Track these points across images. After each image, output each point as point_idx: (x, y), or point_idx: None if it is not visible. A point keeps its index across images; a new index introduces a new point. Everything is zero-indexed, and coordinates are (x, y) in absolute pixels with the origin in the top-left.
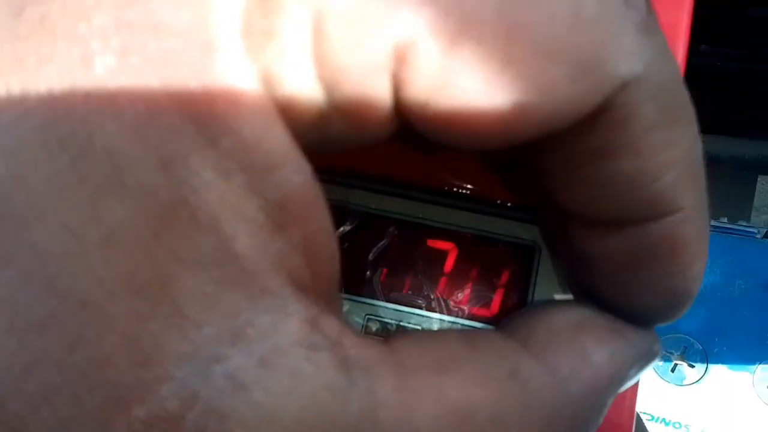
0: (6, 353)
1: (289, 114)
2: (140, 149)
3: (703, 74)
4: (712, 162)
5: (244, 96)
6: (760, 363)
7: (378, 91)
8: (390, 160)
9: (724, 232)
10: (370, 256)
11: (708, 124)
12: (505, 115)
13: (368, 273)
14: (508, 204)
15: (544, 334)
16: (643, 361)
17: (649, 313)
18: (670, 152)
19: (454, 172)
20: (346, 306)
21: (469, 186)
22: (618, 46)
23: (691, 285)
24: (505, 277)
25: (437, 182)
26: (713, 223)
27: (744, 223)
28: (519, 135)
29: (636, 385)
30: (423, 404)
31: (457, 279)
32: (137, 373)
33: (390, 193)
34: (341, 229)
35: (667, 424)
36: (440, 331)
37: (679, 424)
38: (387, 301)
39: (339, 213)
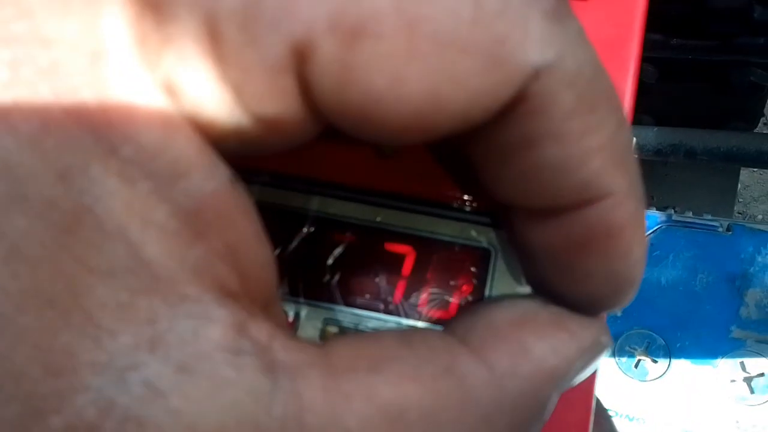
0: None
1: (199, 120)
2: (38, 161)
3: (675, 68)
4: (689, 154)
5: (139, 104)
6: (722, 356)
7: (285, 91)
8: (347, 166)
9: (686, 226)
10: (329, 261)
11: (682, 117)
12: (417, 108)
13: (327, 277)
14: (464, 208)
15: (483, 331)
16: (589, 354)
17: (594, 301)
18: (593, 138)
19: (410, 177)
20: (305, 311)
21: (425, 190)
22: (525, 35)
23: (632, 270)
24: (461, 280)
25: (394, 187)
26: (676, 217)
27: (709, 217)
28: (437, 127)
29: (592, 380)
30: (352, 405)
31: (415, 282)
32: (52, 383)
33: (347, 198)
34: (299, 234)
35: (630, 419)
36: (378, 331)
37: (643, 419)
38: (345, 305)
39: (298, 219)
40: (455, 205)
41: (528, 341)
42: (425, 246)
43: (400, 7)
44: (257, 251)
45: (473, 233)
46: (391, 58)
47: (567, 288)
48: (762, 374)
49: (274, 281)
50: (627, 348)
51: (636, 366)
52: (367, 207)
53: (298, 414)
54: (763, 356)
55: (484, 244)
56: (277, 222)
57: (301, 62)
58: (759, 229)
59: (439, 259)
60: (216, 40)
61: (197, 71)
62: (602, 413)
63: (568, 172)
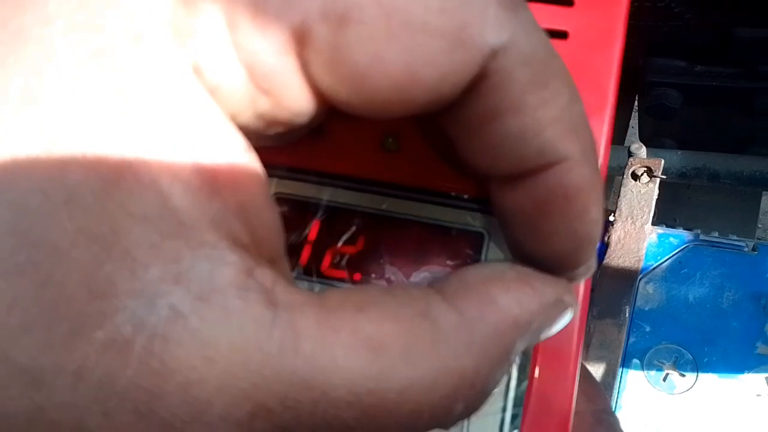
0: None
1: (218, 95)
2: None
3: (699, 93)
4: (712, 178)
5: (171, 79)
6: (748, 371)
7: (288, 69)
8: (355, 160)
9: (713, 246)
10: (339, 244)
11: (706, 142)
12: (397, 83)
13: (337, 259)
14: (461, 196)
15: (457, 285)
16: (551, 309)
17: (559, 260)
18: (548, 110)
19: (412, 169)
20: (317, 288)
21: (425, 181)
22: (483, 21)
23: (590, 229)
24: (458, 260)
25: (397, 178)
26: (703, 237)
27: (735, 237)
28: (414, 99)
29: (576, 346)
30: (340, 336)
31: (417, 262)
32: (96, 305)
33: (356, 189)
34: (313, 221)
35: (659, 429)
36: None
37: (673, 429)
38: (353, 283)
39: (312, 207)
40: (453, 194)
41: (495, 293)
42: (426, 230)
43: (375, 9)
44: (265, 214)
45: (469, 219)
46: (372, 40)
47: (535, 247)
48: None
49: (280, 242)
50: (656, 362)
51: (664, 379)
52: (373, 196)
53: (294, 340)
54: None
55: (478, 228)
56: (293, 210)
57: (299, 45)
58: None
59: (438, 242)
60: (233, 30)
61: (218, 54)
62: (597, 389)
63: (527, 140)
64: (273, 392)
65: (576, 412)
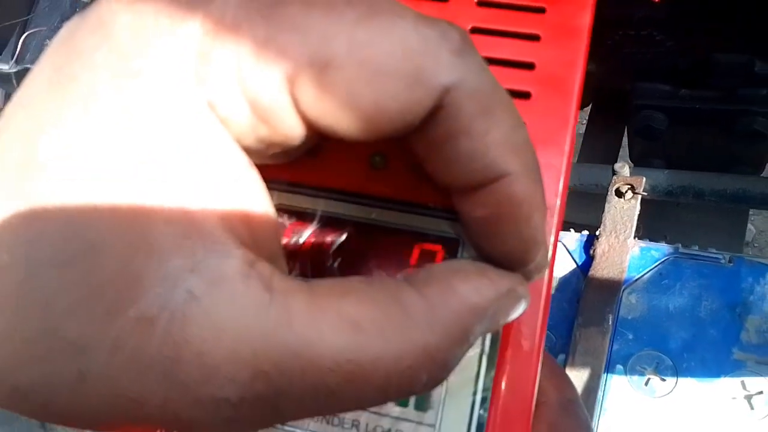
0: (50, 289)
1: (227, 124)
2: None
3: (684, 116)
4: (697, 196)
5: (193, 113)
6: (724, 376)
7: (282, 103)
8: (347, 176)
9: (692, 258)
10: (332, 249)
11: (692, 162)
12: (367, 114)
13: (330, 262)
14: (438, 207)
15: (424, 276)
16: (506, 298)
17: (511, 258)
18: (493, 134)
19: (396, 184)
20: None
21: (407, 194)
22: (437, 65)
23: (534, 232)
24: (435, 262)
25: (384, 192)
26: (683, 250)
27: (713, 250)
28: (383, 127)
29: (540, 334)
30: (326, 316)
31: (400, 264)
32: (129, 290)
33: (347, 200)
34: (309, 228)
35: (641, 431)
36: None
37: (654, 431)
38: None
39: (308, 216)
40: (431, 205)
41: (456, 283)
42: (408, 236)
43: (351, 51)
44: (265, 220)
45: (445, 227)
46: (348, 81)
47: (491, 248)
48: (761, 392)
49: (278, 245)
50: (638, 367)
51: (646, 384)
52: (363, 207)
53: (287, 318)
54: (762, 376)
55: (453, 235)
56: (292, 219)
57: (291, 85)
58: (758, 262)
59: (419, 247)
60: (239, 74)
61: (227, 93)
62: (565, 381)
63: (476, 159)
64: (269, 360)
65: (544, 402)
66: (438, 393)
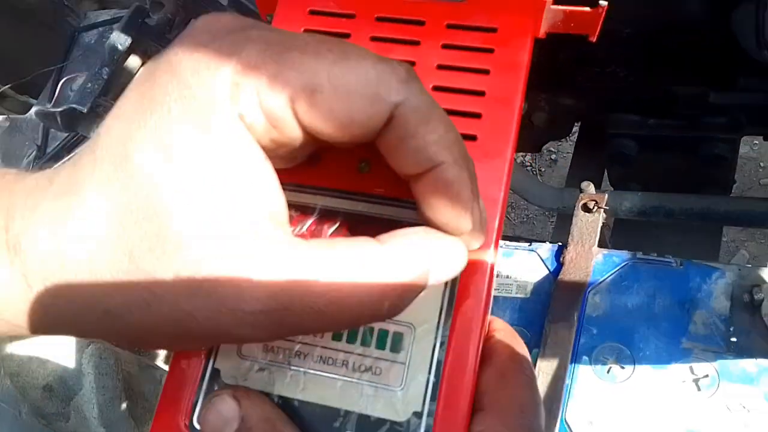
0: (135, 238)
1: (251, 130)
2: None
3: (653, 143)
4: (668, 215)
5: (230, 122)
6: (675, 362)
7: (287, 115)
8: (340, 178)
9: (648, 263)
10: (328, 234)
11: (665, 184)
12: (342, 122)
13: None
14: (410, 200)
15: (390, 236)
16: (447, 252)
17: (449, 226)
18: (431, 136)
19: (378, 183)
20: None
21: (387, 191)
22: (389, 89)
23: (463, 205)
24: None
25: (369, 189)
26: (640, 256)
27: (669, 256)
28: (354, 132)
29: (490, 285)
30: (319, 262)
31: None
32: (190, 239)
33: (341, 197)
34: (310, 219)
35: (603, 413)
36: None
37: (614, 412)
38: None
39: (310, 210)
40: (404, 199)
41: (411, 238)
42: (386, 223)
43: (330, 80)
44: (278, 198)
45: (412, 215)
46: (328, 100)
47: (435, 220)
48: (707, 376)
49: (286, 218)
50: (601, 358)
51: (608, 372)
52: (352, 201)
53: (294, 260)
54: (708, 362)
55: (418, 221)
56: (297, 212)
57: (292, 103)
58: (705, 265)
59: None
60: (259, 96)
61: (251, 109)
62: (519, 345)
63: (419, 153)
64: (280, 286)
65: (497, 353)
66: (408, 340)
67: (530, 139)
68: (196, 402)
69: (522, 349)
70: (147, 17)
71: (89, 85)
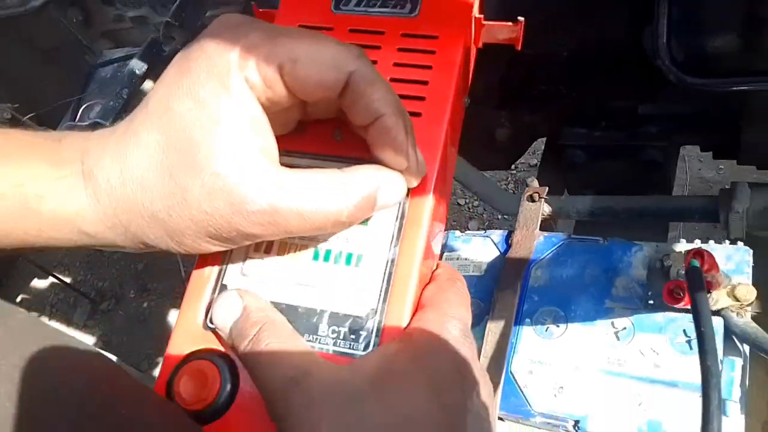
0: (172, 160)
1: (253, 89)
2: None
3: (598, 152)
4: (613, 215)
5: (239, 83)
6: (600, 319)
7: (277, 79)
8: (319, 144)
9: (580, 241)
10: None
11: (615, 190)
12: (315, 84)
13: None
14: (370, 159)
15: (352, 168)
16: (392, 181)
17: (391, 164)
18: (376, 95)
19: (350, 148)
20: None
21: (358, 154)
22: (347, 61)
23: (402, 145)
24: None
25: (342, 153)
26: (573, 236)
27: (599, 237)
28: (324, 91)
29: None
30: (298, 187)
31: None
32: (214, 162)
33: (320, 159)
34: None
35: (541, 363)
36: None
37: (550, 363)
38: None
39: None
40: (367, 158)
41: (364, 168)
42: None
43: (308, 54)
44: (272, 142)
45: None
46: (305, 68)
47: (381, 160)
48: (624, 328)
49: (277, 160)
50: (540, 319)
51: (546, 330)
52: (329, 162)
53: (280, 182)
54: (625, 317)
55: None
56: None
57: (281, 70)
58: (625, 242)
59: None
60: (258, 65)
61: (253, 75)
62: (458, 276)
63: (369, 108)
64: (272, 195)
65: (438, 274)
66: (367, 259)
67: (497, 156)
68: (209, 308)
69: (458, 277)
70: (160, 48)
71: (111, 103)
